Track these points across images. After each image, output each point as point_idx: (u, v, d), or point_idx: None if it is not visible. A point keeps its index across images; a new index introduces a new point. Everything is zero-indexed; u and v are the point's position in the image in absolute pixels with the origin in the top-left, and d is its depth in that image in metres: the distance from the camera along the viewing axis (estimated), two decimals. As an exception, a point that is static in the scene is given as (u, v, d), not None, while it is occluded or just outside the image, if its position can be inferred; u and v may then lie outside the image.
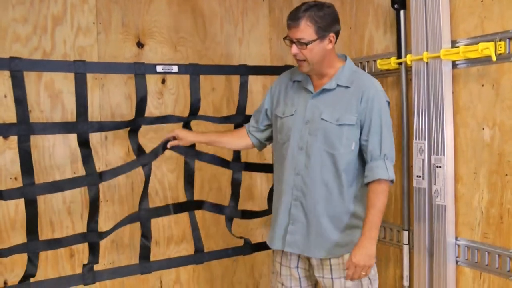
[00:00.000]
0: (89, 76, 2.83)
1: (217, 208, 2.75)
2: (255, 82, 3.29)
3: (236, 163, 2.74)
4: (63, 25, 2.87)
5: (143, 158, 2.46)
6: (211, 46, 3.23)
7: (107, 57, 2.95)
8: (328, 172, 2.23)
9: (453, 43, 2.26)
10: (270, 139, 2.55)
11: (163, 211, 2.58)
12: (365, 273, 2.17)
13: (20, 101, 2.18)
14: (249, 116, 2.62)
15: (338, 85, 2.26)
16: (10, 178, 2.71)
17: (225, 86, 3.28)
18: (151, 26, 3.09)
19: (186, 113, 2.71)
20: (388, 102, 2.29)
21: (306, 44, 2.15)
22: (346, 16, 2.85)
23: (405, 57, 2.44)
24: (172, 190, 3.14)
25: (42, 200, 2.77)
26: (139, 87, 2.43)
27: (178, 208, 2.61)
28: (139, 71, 2.44)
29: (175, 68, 2.52)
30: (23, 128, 2.19)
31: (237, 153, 2.75)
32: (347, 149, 2.22)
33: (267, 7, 3.42)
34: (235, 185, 2.75)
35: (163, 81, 3.11)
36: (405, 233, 2.52)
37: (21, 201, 2.49)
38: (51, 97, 2.82)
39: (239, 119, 2.71)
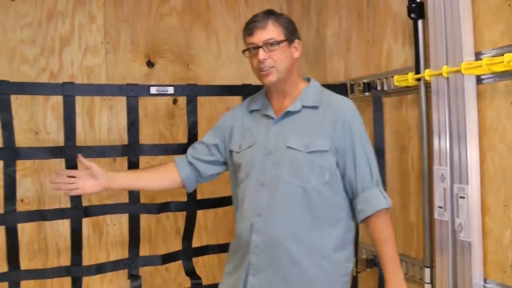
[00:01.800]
0: (97, 97, 2.80)
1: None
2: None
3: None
4: (70, 45, 2.80)
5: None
6: (225, 64, 3.06)
7: (116, 77, 2.85)
8: (299, 211, 1.90)
9: (478, 55, 1.95)
10: (208, 178, 2.19)
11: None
12: None
13: (6, 125, 2.09)
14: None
15: (303, 107, 1.99)
16: (17, 200, 2.56)
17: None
18: (162, 44, 2.96)
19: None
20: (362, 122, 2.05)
21: (278, 43, 1.91)
22: (364, 29, 2.61)
23: (424, 72, 2.17)
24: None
25: (49, 225, 2.69)
26: (131, 110, 2.27)
27: None
28: (131, 93, 2.28)
29: (170, 90, 2.33)
30: (9, 153, 2.09)
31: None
32: (320, 180, 1.91)
33: (284, 23, 3.20)
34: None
35: (175, 101, 2.97)
36: (427, 271, 2.21)
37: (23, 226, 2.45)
38: (57, 119, 2.72)
39: None
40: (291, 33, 1.97)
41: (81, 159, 2.02)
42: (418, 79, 2.21)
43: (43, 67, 2.74)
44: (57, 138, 2.72)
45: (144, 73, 2.93)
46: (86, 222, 2.74)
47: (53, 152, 2.20)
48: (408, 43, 2.33)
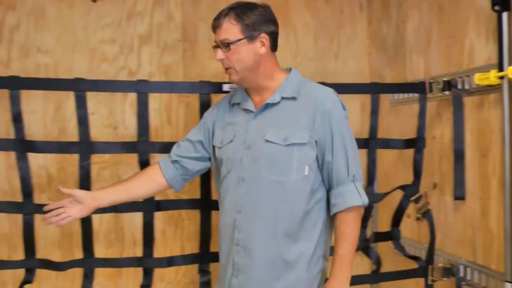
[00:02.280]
0: (174, 94, 2.85)
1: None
2: (353, 101, 3.00)
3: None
4: (149, 44, 2.87)
5: None
6: (303, 62, 3.01)
7: (193, 75, 2.88)
8: (279, 206, 1.84)
9: None
10: (196, 173, 2.13)
11: None
12: None
13: (82, 120, 2.17)
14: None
15: (283, 98, 1.91)
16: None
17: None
18: (238, 42, 2.95)
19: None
20: (346, 116, 1.96)
21: (232, 43, 1.85)
22: (445, 24, 2.47)
23: (507, 69, 2.01)
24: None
25: (125, 217, 2.77)
26: (203, 107, 2.28)
27: None
28: (204, 91, 2.30)
29: None
30: (84, 147, 2.17)
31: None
32: (299, 174, 1.84)
33: (365, 19, 3.11)
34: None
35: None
36: (508, 286, 2.07)
37: (105, 215, 2.63)
38: (135, 115, 2.77)
39: None
40: (253, 28, 1.87)
41: (61, 189, 1.96)
42: (501, 77, 2.05)
43: (122, 65, 2.82)
44: (136, 133, 2.78)
45: (221, 70, 2.88)
46: (162, 216, 2.83)
47: (126, 147, 2.26)
48: (492, 39, 2.18)
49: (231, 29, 1.85)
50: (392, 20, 2.92)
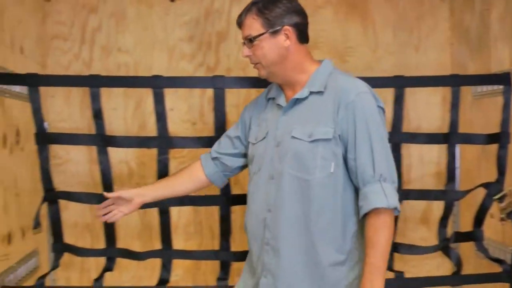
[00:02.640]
0: (253, 89, 2.88)
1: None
2: (434, 95, 2.91)
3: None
4: (227, 40, 2.91)
5: None
6: (383, 55, 2.94)
7: (271, 70, 2.89)
8: (307, 206, 1.75)
9: None
10: (236, 170, 2.08)
11: None
12: None
13: (160, 116, 2.24)
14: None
15: (311, 93, 1.82)
16: None
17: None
18: (317, 37, 2.92)
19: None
20: (382, 108, 1.81)
21: (255, 38, 1.80)
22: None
23: None
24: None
25: (204, 210, 2.84)
26: None
27: None
28: None
29: None
30: (162, 141, 2.23)
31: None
32: (325, 172, 1.74)
33: (447, 10, 2.97)
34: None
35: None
36: None
37: (184, 207, 2.69)
38: (213, 110, 2.83)
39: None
40: (275, 22, 1.80)
41: (107, 195, 1.98)
42: None
43: (201, 62, 2.89)
44: (213, 128, 2.83)
45: (299, 65, 2.94)
46: (241, 211, 2.86)
47: (202, 141, 2.30)
48: None
49: (253, 25, 1.81)
50: (476, 8, 2.78)
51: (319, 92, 1.81)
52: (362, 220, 1.75)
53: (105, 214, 1.98)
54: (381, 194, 1.68)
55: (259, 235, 1.85)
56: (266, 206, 1.83)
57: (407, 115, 2.88)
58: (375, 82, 2.37)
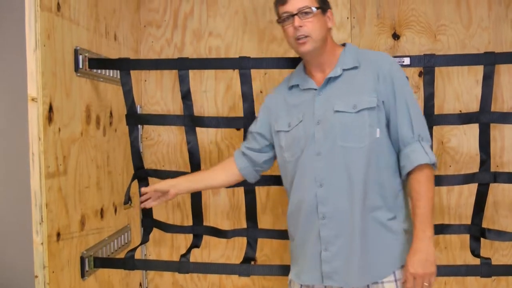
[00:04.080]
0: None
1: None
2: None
3: None
4: (320, 21, 2.89)
5: None
6: (476, 32, 2.77)
7: (361, 52, 2.84)
8: (359, 174, 1.83)
9: None
10: (264, 164, 2.12)
11: None
12: (428, 284, 1.79)
13: (246, 97, 2.28)
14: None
15: (344, 70, 1.93)
16: None
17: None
18: (409, 16, 2.83)
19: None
20: (407, 77, 1.95)
21: (313, 11, 1.86)
22: None
23: None
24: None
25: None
26: None
27: None
28: None
29: (406, 60, 2.21)
30: (248, 122, 2.26)
31: None
32: (372, 138, 1.84)
33: (551, -20, 2.75)
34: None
35: (420, 74, 2.82)
36: None
37: (272, 188, 2.83)
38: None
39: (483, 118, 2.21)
40: (324, 3, 1.93)
41: (145, 190, 2.12)
42: None
43: (290, 44, 2.89)
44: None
45: (390, 45, 2.85)
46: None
47: None
48: None
49: None
50: None
51: (354, 68, 1.93)
52: (405, 178, 1.89)
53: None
54: (422, 152, 1.84)
55: (311, 212, 1.90)
56: (316, 182, 1.88)
57: (500, 94, 2.77)
58: (462, 60, 2.30)
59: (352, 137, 1.85)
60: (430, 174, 1.85)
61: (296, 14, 1.88)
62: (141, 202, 2.16)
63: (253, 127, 2.13)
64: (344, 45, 2.04)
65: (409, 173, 1.86)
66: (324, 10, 1.93)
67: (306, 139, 1.92)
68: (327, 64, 1.96)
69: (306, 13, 1.88)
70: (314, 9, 1.88)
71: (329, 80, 1.94)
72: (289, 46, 1.99)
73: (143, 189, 2.14)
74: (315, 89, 1.95)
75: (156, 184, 2.13)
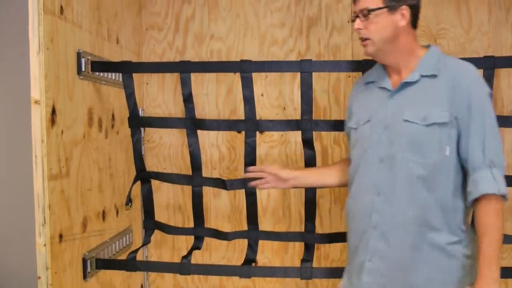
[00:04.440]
0: (343, 74, 2.88)
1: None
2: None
3: None
4: (317, 26, 2.91)
5: None
6: (476, 36, 2.79)
7: (362, 55, 2.77)
8: (421, 190, 1.73)
9: None
10: None
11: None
12: None
13: (248, 100, 2.28)
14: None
15: (422, 76, 1.80)
16: None
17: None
18: (409, 19, 2.86)
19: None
20: (491, 94, 1.80)
21: (369, 12, 1.77)
22: None
23: None
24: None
25: (293, 193, 2.89)
26: None
27: None
28: (368, 69, 2.27)
29: None
30: (249, 125, 2.29)
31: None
32: (440, 155, 1.73)
33: (549, -16, 2.77)
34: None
35: (419, 78, 2.85)
36: None
37: (273, 191, 2.84)
38: (304, 96, 2.88)
39: None
40: (395, 0, 1.79)
41: (267, 169, 2.14)
42: None
43: (291, 47, 2.91)
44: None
45: (390, 49, 2.88)
46: (329, 195, 2.90)
47: (290, 125, 2.31)
48: None
49: None
50: None
51: (432, 76, 1.80)
52: (471, 205, 1.76)
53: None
54: (490, 180, 1.69)
55: (365, 218, 1.85)
56: (374, 189, 1.82)
57: (500, 98, 2.77)
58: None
59: (417, 151, 1.76)
60: (499, 206, 1.70)
61: (358, 16, 1.83)
62: (250, 182, 2.16)
63: (346, 125, 2.09)
64: (428, 46, 1.92)
65: (475, 201, 1.72)
66: (393, 8, 1.79)
67: (370, 141, 1.86)
68: (403, 67, 1.86)
69: (367, 13, 1.81)
70: (375, 9, 1.79)
71: (404, 85, 1.84)
72: None
73: (258, 167, 2.17)
74: (389, 91, 1.87)
75: (277, 169, 2.12)
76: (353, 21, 1.88)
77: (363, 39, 1.84)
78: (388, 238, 1.78)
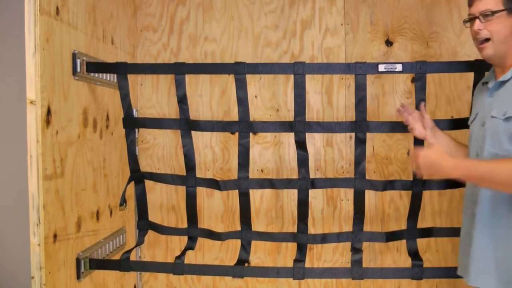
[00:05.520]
0: (336, 76, 2.90)
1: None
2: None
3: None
4: (311, 28, 2.94)
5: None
6: (467, 40, 2.83)
7: (354, 57, 2.89)
8: (505, 184, 1.76)
9: None
10: None
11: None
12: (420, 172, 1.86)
13: (242, 101, 2.29)
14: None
15: None
16: (257, 170, 2.94)
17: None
18: (402, 23, 2.89)
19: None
20: None
21: (492, 13, 1.82)
22: None
23: None
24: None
25: (286, 195, 2.93)
26: (359, 87, 2.28)
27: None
28: (360, 71, 2.29)
29: (399, 67, 2.26)
30: (243, 126, 2.30)
31: None
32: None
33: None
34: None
35: (412, 80, 2.87)
36: None
37: (266, 191, 2.86)
38: (298, 98, 2.90)
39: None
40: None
41: (422, 109, 2.18)
42: None
43: (285, 49, 2.94)
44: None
45: (383, 52, 2.91)
46: (322, 196, 2.94)
47: (282, 126, 2.33)
48: None
49: (493, 0, 1.85)
50: None
51: None
52: None
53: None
54: None
55: (469, 209, 1.97)
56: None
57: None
58: (453, 67, 2.35)
59: (497, 145, 1.84)
60: None
61: (477, 17, 1.87)
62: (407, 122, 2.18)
63: None
64: None
65: None
66: (511, 11, 1.85)
67: (473, 138, 1.98)
68: (508, 66, 1.90)
69: (488, 15, 1.86)
70: (497, 11, 1.84)
71: (500, 84, 1.92)
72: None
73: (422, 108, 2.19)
74: (489, 89, 1.96)
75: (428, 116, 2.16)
76: (466, 22, 1.95)
77: (481, 41, 1.88)
78: (483, 226, 1.88)
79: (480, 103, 2.00)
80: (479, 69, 2.21)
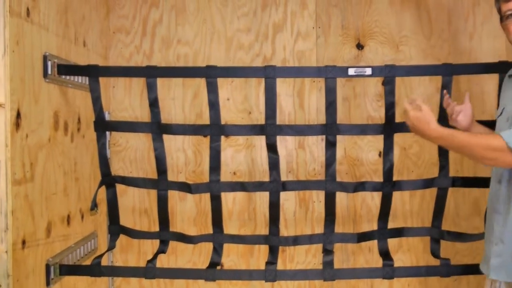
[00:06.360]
0: (307, 79, 2.93)
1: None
2: (490, 81, 2.81)
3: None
4: (283, 32, 2.96)
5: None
6: (437, 43, 2.89)
7: (326, 61, 2.92)
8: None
9: None
10: None
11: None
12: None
13: (213, 105, 2.29)
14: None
15: None
16: (230, 173, 2.94)
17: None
18: (372, 27, 2.93)
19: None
20: None
21: None
22: None
23: None
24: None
25: (258, 197, 2.93)
26: (329, 91, 2.30)
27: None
28: (330, 75, 2.31)
29: (368, 71, 2.29)
30: (215, 129, 2.30)
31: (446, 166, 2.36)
32: None
33: (505, -5, 2.88)
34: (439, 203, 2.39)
35: (383, 83, 2.91)
36: None
37: (238, 194, 2.86)
38: (270, 100, 2.91)
39: None
40: None
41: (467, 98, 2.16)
42: None
43: (257, 52, 2.95)
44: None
45: (354, 55, 2.94)
46: (294, 198, 2.95)
47: (254, 129, 2.34)
48: None
49: None
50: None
51: None
52: None
53: None
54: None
55: (491, 204, 1.98)
56: (496, 177, 1.96)
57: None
58: (421, 70, 2.39)
59: None
60: (500, 150, 1.74)
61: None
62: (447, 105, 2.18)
63: None
64: None
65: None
66: None
67: (498, 132, 1.95)
68: None
69: None
70: None
71: None
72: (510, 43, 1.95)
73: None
74: None
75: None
76: (501, 21, 1.92)
77: None
78: (506, 222, 1.89)
79: (507, 97, 1.99)
80: (447, 72, 2.25)
